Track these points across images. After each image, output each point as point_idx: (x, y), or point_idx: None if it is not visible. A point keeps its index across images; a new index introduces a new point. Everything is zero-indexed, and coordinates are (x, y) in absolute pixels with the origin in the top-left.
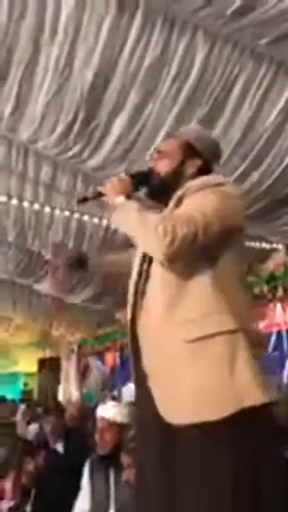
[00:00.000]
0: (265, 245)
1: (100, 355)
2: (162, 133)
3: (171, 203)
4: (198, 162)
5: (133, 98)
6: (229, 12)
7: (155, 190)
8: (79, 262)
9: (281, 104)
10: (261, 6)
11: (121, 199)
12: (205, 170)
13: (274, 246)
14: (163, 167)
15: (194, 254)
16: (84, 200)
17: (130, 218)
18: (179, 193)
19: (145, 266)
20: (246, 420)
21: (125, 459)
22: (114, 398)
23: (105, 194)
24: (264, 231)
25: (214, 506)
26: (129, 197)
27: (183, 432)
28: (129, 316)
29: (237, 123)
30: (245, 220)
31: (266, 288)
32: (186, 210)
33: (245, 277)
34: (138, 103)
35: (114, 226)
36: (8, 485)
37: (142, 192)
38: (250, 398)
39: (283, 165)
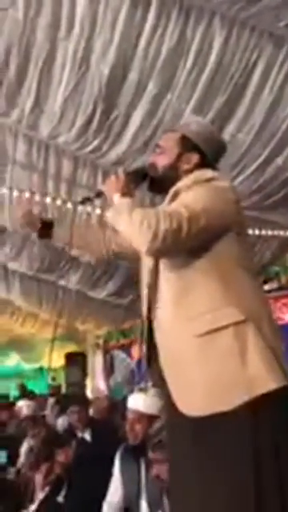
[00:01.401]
0: None
1: (126, 349)
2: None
3: (166, 199)
4: (195, 157)
5: (151, 90)
6: None
7: (154, 184)
8: (45, 229)
9: None
10: None
11: (116, 197)
12: (205, 162)
13: None
14: (160, 162)
15: (182, 248)
16: (86, 200)
17: (120, 216)
18: (174, 189)
19: (154, 267)
20: (261, 407)
21: (151, 455)
22: (141, 390)
23: (104, 192)
24: None
25: (239, 496)
26: (125, 194)
27: (202, 423)
28: (144, 315)
29: (258, 109)
30: (240, 213)
31: None
32: (173, 205)
33: (255, 266)
34: (156, 94)
35: (109, 222)
36: (40, 477)
37: (143, 187)
38: (261, 386)
39: None
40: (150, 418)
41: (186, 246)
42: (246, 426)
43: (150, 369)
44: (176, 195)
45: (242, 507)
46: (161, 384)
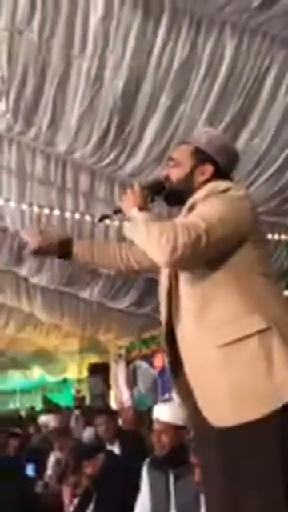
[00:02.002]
0: None
1: (148, 358)
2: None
3: (183, 212)
4: (209, 168)
5: (164, 101)
6: (254, 5)
7: (170, 197)
8: (63, 249)
9: None
10: None
11: (133, 212)
12: (220, 173)
13: None
14: (175, 175)
15: (201, 260)
16: (105, 217)
17: (138, 230)
18: (190, 201)
19: (173, 280)
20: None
21: (193, 459)
22: (166, 400)
23: (121, 208)
24: None
25: (271, 505)
26: (141, 208)
27: (230, 434)
28: (164, 329)
29: (272, 115)
30: (257, 220)
31: None
32: (190, 217)
33: (274, 273)
34: (169, 105)
35: (127, 237)
36: (67, 490)
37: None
38: None
39: None
40: (177, 429)
41: (205, 257)
42: (274, 434)
43: (176, 379)
44: (192, 207)
45: None
46: (186, 395)
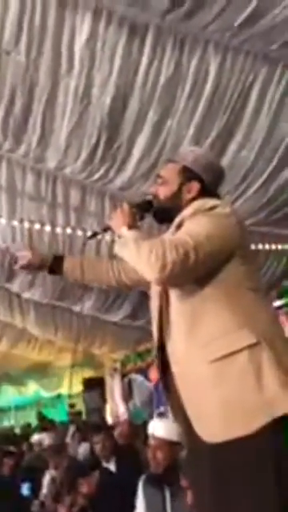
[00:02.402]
0: None
1: (144, 371)
2: (181, 149)
3: (171, 229)
4: (196, 185)
5: (151, 117)
6: (237, 23)
7: (158, 215)
8: (55, 263)
9: None
10: (267, 13)
11: (123, 230)
12: (207, 190)
13: None
14: (163, 193)
15: (190, 276)
16: (94, 235)
17: (128, 248)
18: (178, 219)
19: (164, 297)
20: (280, 429)
21: (183, 482)
22: (161, 415)
23: (110, 227)
24: None
25: None
26: (131, 227)
27: (222, 449)
28: (156, 345)
29: (257, 129)
30: (244, 236)
31: None
32: (178, 235)
33: (263, 286)
34: (156, 121)
35: (117, 254)
36: (63, 509)
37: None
38: (280, 408)
39: None
40: (172, 445)
41: (194, 274)
42: (265, 449)
43: (168, 394)
44: (180, 225)
45: None
46: (179, 409)
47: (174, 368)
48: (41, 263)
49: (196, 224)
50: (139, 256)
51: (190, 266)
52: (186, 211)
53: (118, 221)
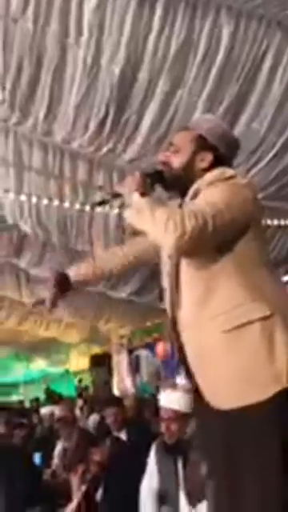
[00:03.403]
0: None
1: (150, 347)
2: (194, 117)
3: (187, 198)
4: (209, 155)
5: (162, 87)
6: None
7: (170, 184)
8: (63, 283)
9: None
10: None
11: (135, 197)
12: (220, 160)
13: None
14: (175, 162)
15: (208, 245)
16: (103, 202)
17: (142, 215)
18: (194, 187)
19: (174, 268)
20: None
21: (193, 457)
22: (173, 386)
23: (121, 193)
24: None
25: (272, 488)
26: (143, 194)
27: (233, 416)
28: (169, 315)
29: (269, 98)
30: (259, 209)
31: None
32: (196, 203)
33: (272, 260)
34: (167, 91)
35: (129, 222)
36: (76, 477)
37: (159, 187)
38: None
39: None
40: (186, 416)
41: (212, 242)
42: (276, 417)
43: (184, 365)
44: (197, 193)
45: (273, 498)
46: (188, 380)
47: (185, 338)
48: (63, 288)
49: (214, 193)
50: (155, 223)
51: (208, 234)
52: (203, 179)
53: (129, 187)
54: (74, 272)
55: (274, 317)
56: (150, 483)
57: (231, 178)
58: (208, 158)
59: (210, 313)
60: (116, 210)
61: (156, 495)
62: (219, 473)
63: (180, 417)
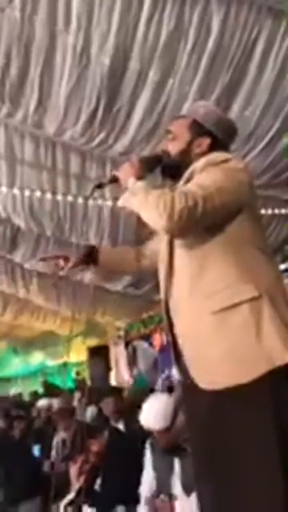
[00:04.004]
0: None
1: (147, 338)
2: (186, 107)
3: (181, 182)
4: (207, 140)
5: (152, 77)
6: None
7: (168, 170)
8: (91, 256)
9: None
10: None
11: (131, 181)
12: (217, 145)
13: None
14: (173, 148)
15: (198, 227)
16: (100, 186)
17: (136, 198)
18: (189, 170)
19: (169, 248)
20: (279, 378)
21: (189, 448)
22: (169, 388)
23: (118, 178)
24: None
25: (263, 465)
26: (139, 178)
27: (221, 397)
28: (162, 296)
29: (262, 85)
30: (253, 194)
31: None
32: (188, 186)
33: (269, 246)
34: (158, 81)
35: (123, 205)
36: (74, 468)
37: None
38: (278, 358)
39: None
40: (171, 424)
41: (202, 224)
42: (265, 396)
43: (175, 352)
44: (191, 177)
45: (268, 478)
46: (181, 362)
47: (176, 321)
48: (84, 257)
49: (207, 176)
50: (147, 205)
51: (197, 215)
52: (198, 163)
53: (126, 172)
54: (106, 251)
55: (263, 298)
56: (148, 477)
57: (225, 161)
58: (205, 143)
59: (202, 293)
60: (109, 202)
61: (154, 489)
62: (212, 456)
63: (165, 430)
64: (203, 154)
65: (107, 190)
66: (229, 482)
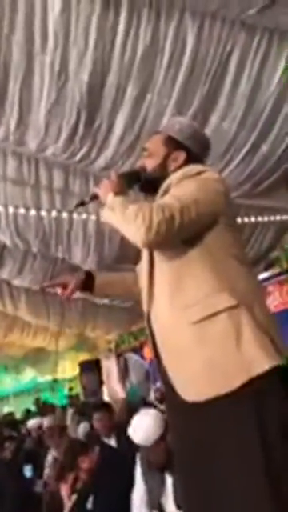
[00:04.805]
0: (286, 216)
1: (138, 350)
2: (165, 120)
3: (158, 195)
4: (182, 154)
5: (131, 92)
6: None
7: (145, 185)
8: (88, 281)
9: (279, 71)
10: None
11: (109, 197)
12: (193, 159)
13: None
14: (150, 164)
15: (175, 239)
16: (82, 204)
17: (114, 212)
18: (165, 185)
19: (150, 259)
20: (259, 387)
21: None
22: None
23: (98, 195)
24: (282, 203)
25: (247, 476)
26: (117, 193)
27: (204, 409)
28: (145, 309)
29: (238, 98)
30: (230, 204)
31: None
32: (165, 198)
33: (247, 256)
34: (136, 95)
35: (104, 221)
36: (66, 487)
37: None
38: (258, 366)
39: None
40: (160, 440)
41: (180, 236)
42: (248, 406)
43: (159, 364)
44: (167, 190)
45: (254, 487)
46: (162, 374)
47: (158, 333)
48: (76, 284)
49: (183, 188)
50: (125, 219)
51: (175, 228)
52: (174, 176)
53: (105, 188)
54: (102, 277)
55: (240, 307)
56: (139, 494)
57: (200, 173)
58: (181, 157)
59: (179, 304)
60: (94, 217)
61: (146, 504)
62: (196, 469)
63: (154, 446)
64: (179, 167)
65: (90, 205)
66: (215, 492)
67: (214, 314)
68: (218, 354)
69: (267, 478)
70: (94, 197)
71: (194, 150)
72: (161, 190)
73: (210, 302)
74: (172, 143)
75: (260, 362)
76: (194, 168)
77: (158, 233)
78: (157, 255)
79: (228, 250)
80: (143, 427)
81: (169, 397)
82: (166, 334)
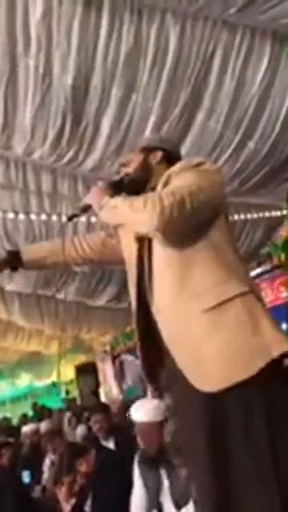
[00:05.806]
0: (275, 213)
1: (133, 351)
2: (151, 121)
3: (159, 186)
4: (159, 153)
5: (116, 93)
6: None
7: (131, 188)
8: (12, 260)
9: (262, 69)
10: None
11: (105, 199)
12: (170, 156)
13: (285, 212)
14: (130, 169)
15: (187, 223)
16: (73, 216)
17: (117, 209)
18: (166, 174)
19: (144, 256)
20: (278, 370)
21: (175, 461)
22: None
23: (90, 204)
24: (271, 199)
25: (261, 463)
26: (112, 196)
27: (220, 398)
28: (134, 308)
29: (222, 97)
30: (225, 196)
31: (283, 256)
32: (170, 187)
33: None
34: (121, 97)
35: (104, 221)
36: (63, 490)
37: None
38: (277, 348)
39: (276, 129)
40: (159, 425)
41: (191, 220)
42: (266, 391)
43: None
44: (167, 181)
45: (262, 480)
46: (169, 371)
47: (162, 325)
48: (5, 262)
49: (185, 178)
50: (134, 209)
51: (187, 211)
52: (173, 168)
53: (97, 195)
54: (30, 249)
55: (251, 294)
56: (138, 495)
57: (200, 164)
58: (158, 154)
59: (189, 293)
60: (84, 219)
61: (145, 507)
62: (207, 462)
63: (153, 427)
64: (161, 162)
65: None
66: (226, 480)
67: (228, 301)
68: (234, 340)
69: (274, 470)
70: (85, 208)
71: (168, 148)
72: (161, 181)
73: (222, 289)
74: (146, 150)
75: (278, 344)
76: (193, 159)
77: (172, 214)
78: (159, 248)
79: (228, 244)
80: (146, 406)
81: (175, 390)
82: (173, 324)
